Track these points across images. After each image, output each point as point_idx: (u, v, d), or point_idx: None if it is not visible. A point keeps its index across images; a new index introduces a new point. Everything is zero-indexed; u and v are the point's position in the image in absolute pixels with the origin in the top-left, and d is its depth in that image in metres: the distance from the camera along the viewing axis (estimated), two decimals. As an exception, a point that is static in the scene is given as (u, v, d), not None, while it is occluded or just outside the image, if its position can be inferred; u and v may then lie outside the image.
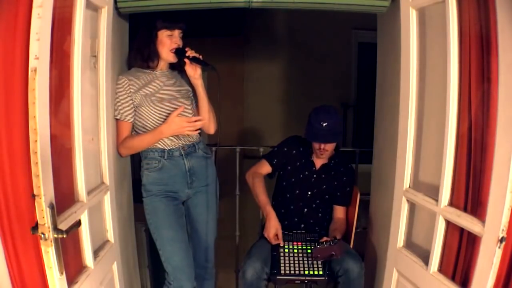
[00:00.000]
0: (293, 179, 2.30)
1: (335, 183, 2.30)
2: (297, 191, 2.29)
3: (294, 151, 2.32)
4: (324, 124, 2.12)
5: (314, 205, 2.30)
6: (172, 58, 1.95)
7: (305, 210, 2.30)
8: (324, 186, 2.29)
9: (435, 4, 1.57)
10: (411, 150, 1.76)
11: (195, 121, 1.92)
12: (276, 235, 2.14)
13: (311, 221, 2.30)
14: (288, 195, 2.30)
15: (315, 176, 2.29)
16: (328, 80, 4.81)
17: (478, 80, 1.40)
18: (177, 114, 1.89)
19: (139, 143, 1.95)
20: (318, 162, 2.29)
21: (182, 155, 1.99)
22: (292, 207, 2.29)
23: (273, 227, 2.14)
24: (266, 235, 2.16)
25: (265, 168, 2.34)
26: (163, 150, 1.96)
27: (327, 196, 2.32)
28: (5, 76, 1.22)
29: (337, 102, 4.98)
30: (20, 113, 1.22)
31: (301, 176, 2.29)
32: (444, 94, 1.50)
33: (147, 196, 1.98)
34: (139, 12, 1.94)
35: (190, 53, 1.92)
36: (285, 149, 2.34)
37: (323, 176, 2.29)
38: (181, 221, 2.01)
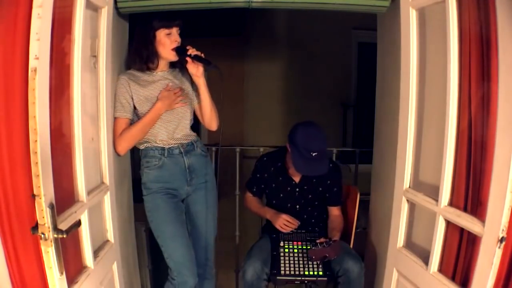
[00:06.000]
0: (281, 194, 2.28)
1: (320, 188, 2.26)
2: (289, 205, 2.27)
3: (266, 174, 2.28)
4: (314, 154, 2.02)
5: (306, 216, 2.29)
6: (173, 57, 1.95)
7: (299, 223, 2.28)
8: (310, 196, 2.26)
9: (435, 4, 1.57)
10: (411, 150, 1.76)
11: (176, 92, 1.96)
12: (288, 221, 2.15)
13: (310, 228, 2.30)
14: (282, 211, 2.26)
15: (297, 189, 2.25)
16: (328, 80, 4.81)
17: (478, 80, 1.40)
18: (167, 90, 1.94)
19: (140, 127, 1.91)
20: (297, 175, 2.23)
21: (181, 153, 2.00)
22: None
23: (278, 216, 2.16)
24: (278, 226, 2.16)
25: (250, 195, 2.36)
26: (163, 148, 1.97)
27: (316, 202, 2.29)
28: (5, 76, 1.22)
29: (337, 102, 4.99)
30: (20, 113, 1.22)
31: (285, 192, 2.26)
32: (444, 94, 1.50)
33: (147, 194, 1.99)
34: (139, 12, 1.94)
35: (191, 51, 1.90)
36: (258, 175, 2.31)
37: (306, 187, 2.25)
38: (182, 218, 2.02)
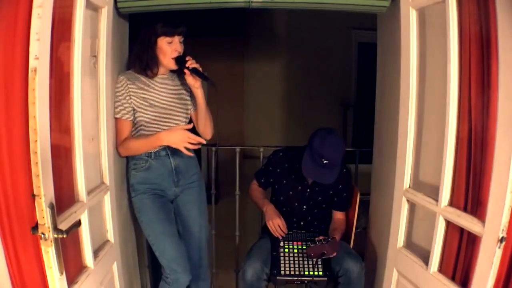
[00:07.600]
0: (291, 192, 2.27)
1: (331, 192, 2.25)
2: (296, 204, 2.27)
3: (278, 170, 2.27)
4: (325, 162, 2.00)
5: (310, 217, 2.29)
6: (173, 66, 1.93)
7: (302, 223, 2.28)
8: (320, 198, 2.25)
9: (435, 4, 1.57)
10: (411, 150, 1.76)
11: (197, 142, 1.86)
12: (279, 226, 2.12)
13: (311, 229, 2.29)
14: (288, 209, 2.27)
15: (308, 190, 2.24)
16: (328, 80, 4.82)
17: (478, 80, 1.40)
18: (182, 128, 1.87)
19: (136, 147, 1.94)
20: None
21: (168, 154, 2.00)
22: (291, 219, 2.26)
23: (273, 215, 2.14)
24: (268, 223, 2.14)
25: (256, 185, 2.37)
26: (150, 151, 1.98)
27: (324, 205, 2.29)
28: (5, 76, 1.22)
29: (337, 102, 4.99)
30: (20, 113, 1.22)
31: (295, 191, 2.25)
32: (444, 94, 1.50)
33: (135, 195, 2.00)
34: (139, 12, 1.94)
35: (190, 63, 1.88)
36: (270, 168, 2.30)
37: (317, 189, 2.23)
38: (171, 217, 2.04)
